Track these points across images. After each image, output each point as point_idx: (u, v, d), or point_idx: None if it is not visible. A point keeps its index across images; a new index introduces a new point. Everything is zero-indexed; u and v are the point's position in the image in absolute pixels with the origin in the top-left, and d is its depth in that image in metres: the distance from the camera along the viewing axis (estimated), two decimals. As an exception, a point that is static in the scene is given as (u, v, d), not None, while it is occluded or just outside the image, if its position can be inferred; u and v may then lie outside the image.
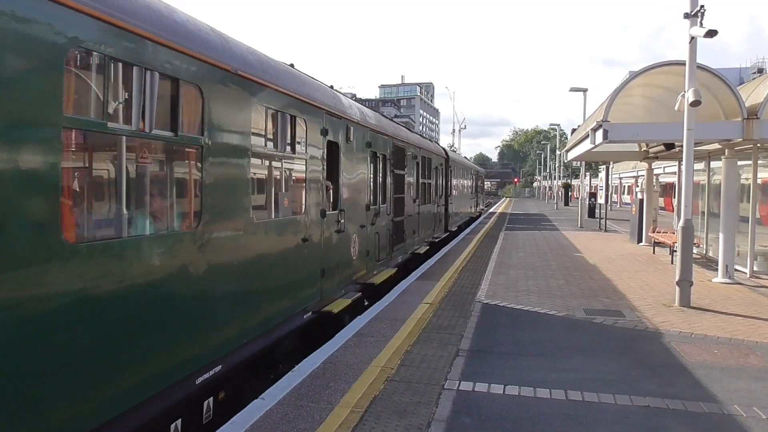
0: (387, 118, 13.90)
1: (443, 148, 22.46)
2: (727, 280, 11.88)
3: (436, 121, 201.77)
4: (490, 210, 49.00)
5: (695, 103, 9.68)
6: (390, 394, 5.49)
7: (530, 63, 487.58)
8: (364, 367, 6.24)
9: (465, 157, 51.47)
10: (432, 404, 5.25)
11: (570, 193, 61.97)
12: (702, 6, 9.59)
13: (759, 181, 14.03)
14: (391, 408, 5.14)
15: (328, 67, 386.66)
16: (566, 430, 4.78)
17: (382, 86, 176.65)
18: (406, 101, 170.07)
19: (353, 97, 13.74)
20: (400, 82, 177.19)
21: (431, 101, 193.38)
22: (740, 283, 11.82)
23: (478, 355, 6.79)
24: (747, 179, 14.05)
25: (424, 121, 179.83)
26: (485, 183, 50.23)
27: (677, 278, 9.71)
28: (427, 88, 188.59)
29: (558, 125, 55.70)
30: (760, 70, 61.38)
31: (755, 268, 12.90)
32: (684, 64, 10.22)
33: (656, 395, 5.54)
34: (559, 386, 5.74)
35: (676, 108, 10.24)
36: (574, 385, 5.77)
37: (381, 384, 5.74)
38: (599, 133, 12.38)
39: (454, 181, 23.09)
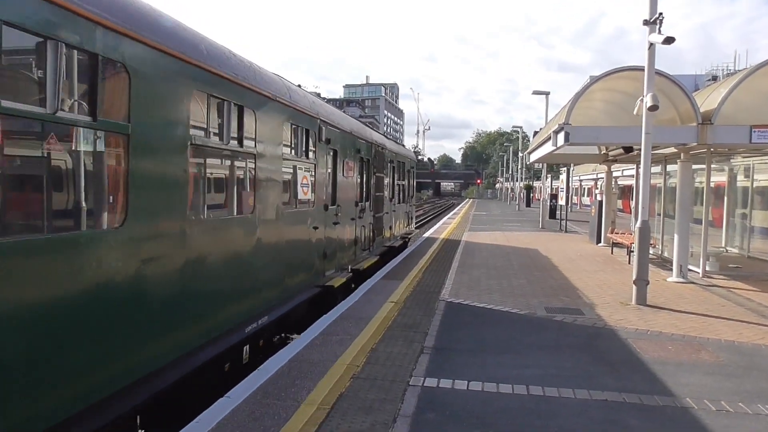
0: None
1: None
2: (681, 280, 12.31)
3: (401, 122, 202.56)
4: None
5: (653, 108, 10.00)
6: (356, 391, 5.52)
7: (491, 65, 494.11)
8: (329, 365, 6.26)
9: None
10: (397, 401, 5.31)
11: (531, 195, 63.10)
12: (660, 13, 9.91)
13: (712, 185, 14.59)
14: (357, 405, 5.18)
15: (292, 65, 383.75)
16: (528, 423, 4.90)
17: (346, 86, 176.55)
18: (371, 102, 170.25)
19: (318, 96, 11.47)
20: (364, 82, 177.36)
21: (396, 102, 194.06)
22: (693, 282, 12.26)
23: (443, 353, 6.88)
24: (700, 183, 14.59)
25: (389, 122, 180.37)
26: (412, 178, 21.36)
27: (634, 277, 10.01)
28: (392, 88, 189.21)
29: (520, 127, 56.69)
30: (714, 78, 63.62)
31: (707, 268, 13.40)
32: (642, 70, 10.55)
33: (614, 389, 5.72)
34: (521, 382, 5.87)
35: (634, 112, 10.56)
36: (536, 381, 5.91)
37: (347, 381, 5.76)
38: (561, 136, 12.67)
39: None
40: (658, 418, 5.12)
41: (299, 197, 8.54)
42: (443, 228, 27.75)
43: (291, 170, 8.21)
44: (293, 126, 8.26)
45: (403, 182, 19.06)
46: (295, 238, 8.28)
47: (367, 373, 6.03)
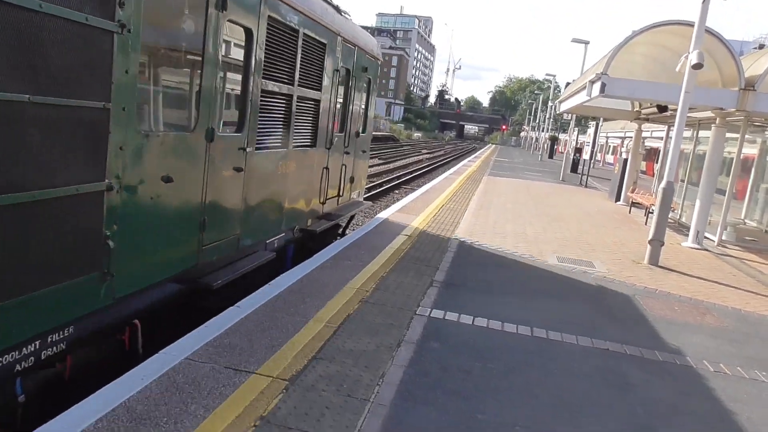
0: None
1: None
2: (696, 246, 12.22)
3: (432, 58, 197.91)
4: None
5: (697, 66, 9.64)
6: (364, 314, 5.65)
7: (530, 10, 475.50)
8: (340, 287, 6.38)
9: None
10: (403, 327, 5.44)
11: (555, 147, 62.09)
12: (718, -33, 9.40)
13: (741, 156, 14.22)
14: (363, 327, 5.31)
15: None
16: (528, 362, 5.01)
17: (379, 14, 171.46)
18: (403, 33, 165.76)
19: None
20: (398, 13, 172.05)
21: (429, 36, 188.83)
22: (707, 250, 12.17)
23: (452, 288, 6.98)
24: (729, 153, 14.23)
25: (419, 57, 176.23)
26: (360, 93, 9.58)
27: (650, 237, 9.96)
28: (426, 22, 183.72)
29: (554, 76, 55.02)
30: (761, 46, 60.80)
31: (723, 237, 13.26)
32: (692, 25, 10.11)
33: (616, 341, 5.80)
34: (526, 323, 5.96)
35: (677, 69, 10.18)
36: (540, 324, 5.99)
37: (355, 304, 5.89)
38: (597, 86, 12.31)
39: None
40: (656, 371, 5.21)
41: None
42: (463, 169, 27.61)
43: None
44: None
45: (326, 96, 8.10)
46: None
47: (376, 299, 6.15)
